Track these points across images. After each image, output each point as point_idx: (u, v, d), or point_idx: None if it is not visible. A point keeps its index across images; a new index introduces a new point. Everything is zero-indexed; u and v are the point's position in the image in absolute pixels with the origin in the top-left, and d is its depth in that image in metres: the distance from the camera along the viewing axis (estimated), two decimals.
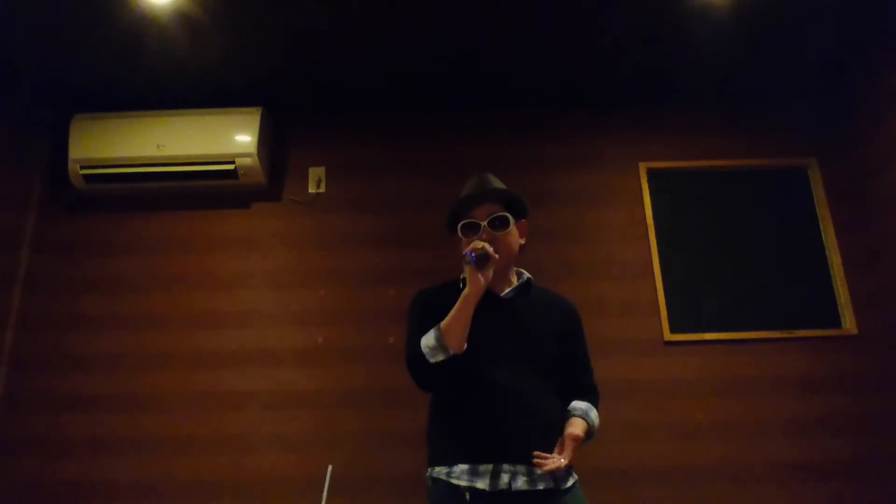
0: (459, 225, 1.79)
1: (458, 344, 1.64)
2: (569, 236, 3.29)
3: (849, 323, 3.14)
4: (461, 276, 1.82)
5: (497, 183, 1.85)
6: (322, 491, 1.86)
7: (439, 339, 1.64)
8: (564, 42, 3.06)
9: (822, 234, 3.31)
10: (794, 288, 3.22)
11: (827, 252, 3.28)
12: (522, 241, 1.87)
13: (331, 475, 2.00)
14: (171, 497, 2.88)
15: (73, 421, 2.98)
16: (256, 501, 2.87)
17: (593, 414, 1.78)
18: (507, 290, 1.83)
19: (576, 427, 1.70)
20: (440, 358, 1.63)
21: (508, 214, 1.79)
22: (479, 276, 1.64)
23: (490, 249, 1.65)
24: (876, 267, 3.16)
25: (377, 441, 2.95)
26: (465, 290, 1.65)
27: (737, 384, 3.04)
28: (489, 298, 1.77)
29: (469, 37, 3.01)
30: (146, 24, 2.80)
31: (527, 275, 1.89)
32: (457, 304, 1.65)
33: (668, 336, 3.12)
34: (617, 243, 3.28)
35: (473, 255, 1.63)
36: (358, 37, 2.98)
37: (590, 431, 1.74)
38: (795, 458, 2.93)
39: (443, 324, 1.65)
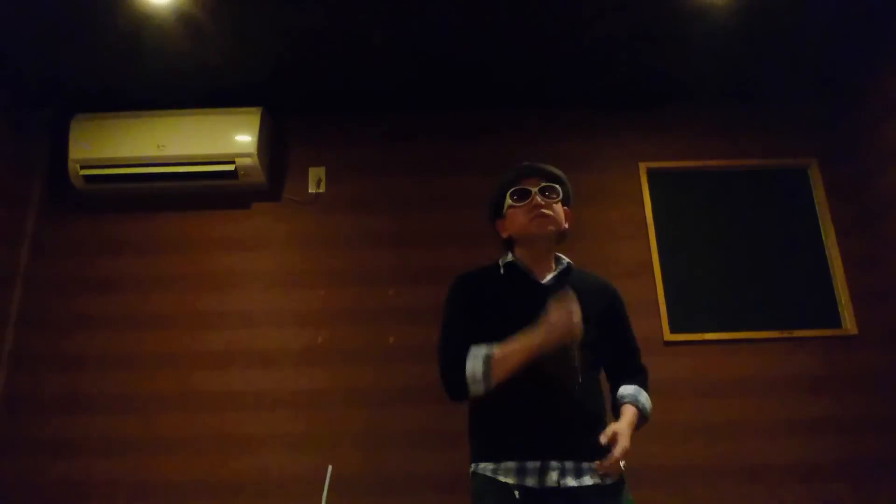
0: (510, 191, 1.76)
1: (501, 380, 1.57)
2: (569, 236, 3.28)
3: (849, 323, 3.14)
4: (501, 262, 1.79)
5: None
6: (322, 491, 1.86)
7: (486, 371, 1.55)
8: (564, 42, 3.05)
9: (822, 234, 3.31)
10: (794, 288, 3.22)
11: (827, 252, 3.28)
12: (566, 227, 1.82)
13: (331, 475, 1.99)
14: (170, 497, 2.88)
15: (73, 421, 2.98)
16: (256, 501, 2.87)
17: (643, 398, 1.74)
18: (548, 277, 1.78)
19: (624, 418, 1.66)
20: (479, 390, 1.57)
21: (559, 186, 1.76)
22: (561, 331, 1.52)
23: (573, 303, 1.52)
24: (876, 267, 3.16)
25: (377, 441, 2.95)
26: (540, 338, 1.53)
27: (737, 384, 3.04)
28: (530, 286, 1.73)
29: (469, 37, 3.01)
30: (146, 24, 2.80)
31: (566, 260, 1.84)
32: (521, 345, 1.54)
33: (668, 336, 3.12)
34: (617, 243, 3.28)
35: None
36: (358, 37, 2.98)
37: (642, 415, 1.71)
38: (795, 457, 2.93)
39: (497, 355, 1.56)
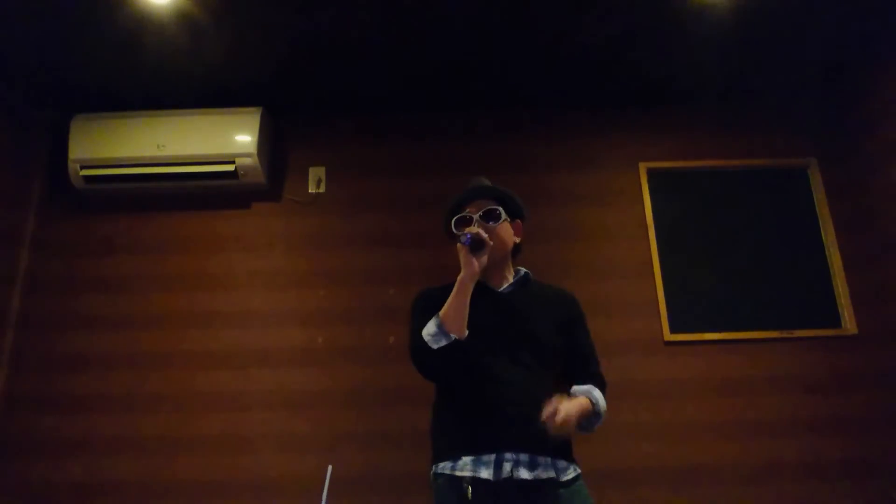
0: (454, 220, 1.84)
1: (459, 329, 1.66)
2: (569, 236, 3.29)
3: (849, 323, 3.14)
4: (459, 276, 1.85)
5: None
6: (322, 491, 1.86)
7: (440, 325, 1.66)
8: (564, 42, 3.05)
9: (822, 234, 3.31)
10: (793, 288, 3.22)
11: (827, 252, 3.28)
12: (517, 240, 1.92)
13: (331, 475, 1.99)
14: (171, 497, 2.88)
15: (73, 421, 2.99)
16: (256, 501, 2.87)
17: (596, 393, 1.77)
18: (505, 286, 1.87)
19: (573, 399, 1.68)
20: (442, 343, 1.65)
21: (500, 208, 1.84)
22: (474, 260, 1.68)
23: (484, 234, 1.70)
24: (876, 267, 3.16)
25: (377, 441, 2.95)
26: (461, 275, 1.69)
27: (737, 384, 3.04)
28: (487, 294, 1.81)
29: (469, 37, 3.00)
30: (146, 24, 2.80)
31: (524, 270, 1.93)
32: (454, 290, 1.68)
33: (668, 336, 3.12)
34: (617, 243, 3.28)
35: (469, 235, 1.68)
36: (358, 37, 2.98)
37: (595, 410, 1.73)
38: (795, 457, 2.93)
39: (441, 311, 1.69)
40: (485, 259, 1.71)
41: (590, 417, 1.73)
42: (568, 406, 1.60)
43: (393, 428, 2.95)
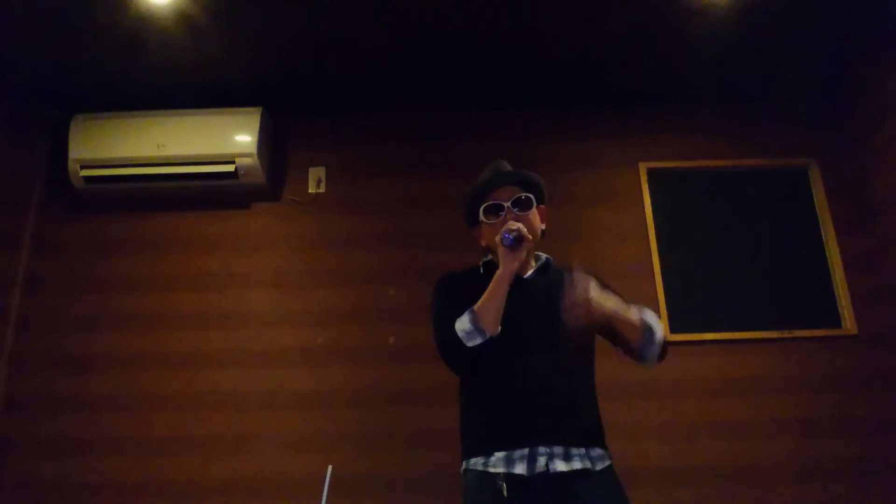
0: (482, 207, 1.78)
1: (494, 326, 1.62)
2: (569, 236, 3.28)
3: (849, 323, 3.14)
4: (480, 263, 1.84)
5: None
6: (322, 491, 1.86)
7: (475, 321, 1.62)
8: (564, 42, 3.06)
9: (822, 234, 3.31)
10: (793, 288, 3.21)
11: (827, 252, 3.28)
12: (544, 227, 1.86)
13: (331, 475, 1.99)
14: (170, 497, 2.88)
15: (74, 421, 2.98)
16: (256, 501, 2.87)
17: (649, 312, 1.68)
18: (530, 272, 1.83)
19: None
20: (477, 342, 1.61)
21: (530, 195, 1.78)
22: (515, 258, 1.63)
23: (525, 231, 1.64)
24: (876, 267, 3.16)
25: (377, 441, 2.95)
26: (499, 271, 1.64)
27: (737, 384, 3.04)
28: (513, 281, 1.74)
29: (469, 37, 3.01)
30: (146, 24, 2.80)
31: (545, 256, 1.90)
32: (490, 286, 1.64)
33: (668, 336, 3.11)
34: (617, 243, 3.27)
35: (510, 236, 1.62)
36: (358, 37, 2.98)
37: (647, 325, 1.64)
38: (795, 457, 2.93)
39: (477, 306, 1.63)
40: (524, 254, 1.66)
41: (641, 335, 1.64)
42: (596, 290, 1.53)
43: (393, 428, 2.95)
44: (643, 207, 3.34)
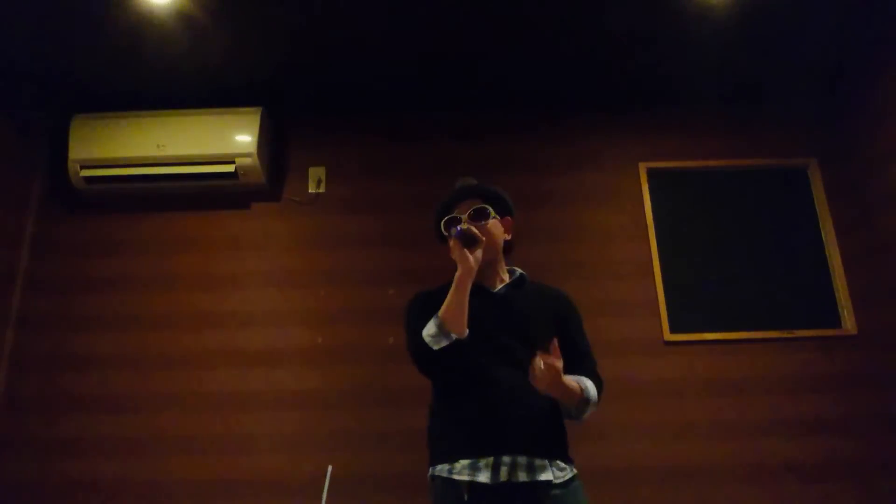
0: (442, 222, 1.84)
1: (459, 328, 1.65)
2: (569, 236, 3.29)
3: (849, 323, 3.14)
4: (454, 278, 1.84)
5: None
6: (322, 491, 1.86)
7: (440, 325, 1.65)
8: (564, 42, 3.06)
9: (822, 233, 3.31)
10: (793, 288, 3.22)
11: (827, 252, 3.28)
12: (508, 237, 1.91)
13: (331, 475, 1.99)
14: (171, 497, 2.88)
15: (74, 421, 2.99)
16: (256, 501, 2.87)
17: (588, 382, 1.73)
18: (500, 287, 1.86)
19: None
20: (444, 344, 1.63)
21: (488, 206, 1.82)
22: (469, 255, 1.67)
23: (474, 230, 1.70)
24: (875, 267, 3.16)
25: (377, 441, 2.95)
26: (458, 273, 1.68)
27: (737, 384, 3.04)
28: (482, 295, 1.80)
29: (469, 37, 3.01)
30: (146, 24, 2.80)
31: (519, 271, 1.92)
32: (451, 288, 1.67)
33: (668, 336, 3.12)
34: (617, 243, 3.28)
35: (459, 228, 1.70)
36: (358, 37, 2.98)
37: (585, 397, 1.69)
38: (795, 457, 2.93)
39: (441, 310, 1.67)
40: (479, 254, 1.70)
41: (579, 403, 1.69)
42: (558, 365, 1.56)
43: (393, 428, 2.95)
44: (643, 207, 3.34)
